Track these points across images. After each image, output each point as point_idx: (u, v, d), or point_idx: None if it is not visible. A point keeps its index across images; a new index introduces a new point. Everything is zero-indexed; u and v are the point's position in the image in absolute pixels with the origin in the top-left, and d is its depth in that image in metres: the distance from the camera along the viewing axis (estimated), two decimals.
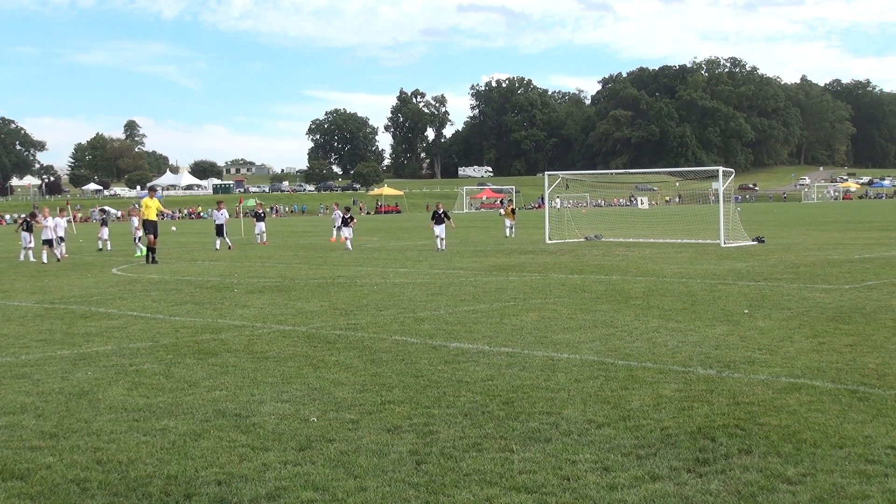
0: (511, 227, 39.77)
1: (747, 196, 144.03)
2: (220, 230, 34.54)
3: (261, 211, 39.69)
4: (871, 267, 20.18)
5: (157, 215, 27.91)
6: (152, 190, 29.71)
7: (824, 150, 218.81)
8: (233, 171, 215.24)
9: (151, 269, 24.60)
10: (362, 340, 11.31)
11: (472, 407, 7.64)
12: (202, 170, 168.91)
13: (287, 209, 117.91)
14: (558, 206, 49.54)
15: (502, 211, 42.92)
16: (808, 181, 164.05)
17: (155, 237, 26.79)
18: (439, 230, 29.74)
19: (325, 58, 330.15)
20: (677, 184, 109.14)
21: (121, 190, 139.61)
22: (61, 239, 29.91)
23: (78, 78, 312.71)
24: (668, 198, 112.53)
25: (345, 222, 31.16)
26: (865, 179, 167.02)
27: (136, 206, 34.62)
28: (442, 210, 30.42)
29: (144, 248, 29.58)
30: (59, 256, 28.66)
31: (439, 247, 29.41)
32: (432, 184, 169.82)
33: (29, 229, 30.06)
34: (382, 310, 14.32)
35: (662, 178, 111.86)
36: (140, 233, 31.01)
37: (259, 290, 17.79)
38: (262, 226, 37.84)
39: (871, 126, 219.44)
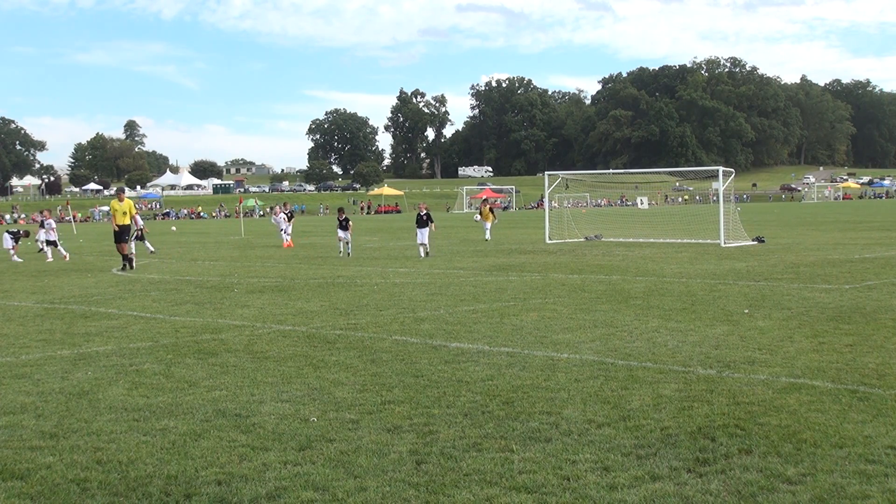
0: (488, 230, 36.19)
1: (783, 196, 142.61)
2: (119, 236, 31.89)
3: (288, 211, 37.46)
4: (871, 267, 20.18)
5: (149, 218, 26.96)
6: (120, 192, 25.97)
7: (824, 150, 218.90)
8: (233, 170, 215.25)
9: (151, 268, 24.59)
10: (362, 340, 11.31)
11: (472, 407, 7.64)
12: (202, 170, 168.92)
13: (292, 208, 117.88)
14: (556, 205, 49.37)
15: (478, 217, 38.13)
16: (812, 179, 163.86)
17: (123, 243, 24.22)
18: (421, 235, 26.93)
19: (325, 58, 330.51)
20: (677, 183, 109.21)
21: None
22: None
23: (78, 78, 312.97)
24: (685, 198, 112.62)
25: (342, 226, 28.04)
26: (865, 179, 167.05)
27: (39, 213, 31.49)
28: (426, 212, 27.66)
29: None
30: None
31: (421, 254, 26.59)
32: (432, 184, 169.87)
33: (17, 240, 30.75)
34: (382, 310, 14.32)
35: (662, 178, 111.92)
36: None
37: (259, 290, 17.79)
38: (288, 226, 35.78)
39: (871, 126, 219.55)
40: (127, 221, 24.34)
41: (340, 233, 28.38)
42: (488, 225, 36.22)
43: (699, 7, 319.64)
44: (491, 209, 37.66)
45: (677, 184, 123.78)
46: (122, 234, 24.22)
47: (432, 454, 6.31)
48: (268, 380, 8.96)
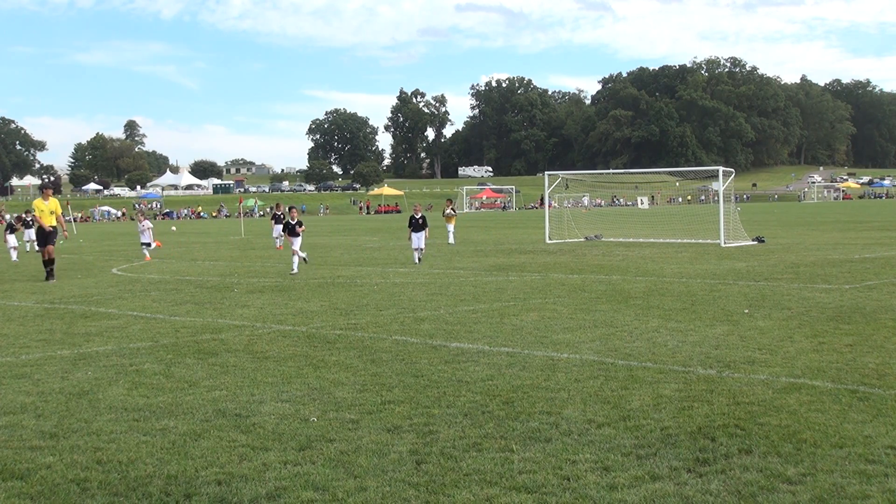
0: (451, 233, 34.35)
1: (835, 195, 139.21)
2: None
3: (280, 212, 33.94)
4: (871, 267, 20.17)
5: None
6: (45, 189, 22.70)
7: (824, 150, 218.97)
8: (233, 170, 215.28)
9: (151, 268, 24.58)
10: (362, 340, 11.31)
11: (472, 407, 7.64)
12: (202, 170, 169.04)
13: (286, 208, 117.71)
14: (555, 205, 49.26)
15: (448, 211, 35.34)
16: (819, 179, 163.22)
17: (50, 245, 21.46)
18: (417, 240, 24.63)
19: (325, 58, 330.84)
20: (677, 184, 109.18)
21: (121, 190, 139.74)
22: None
23: (77, 78, 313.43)
24: (688, 198, 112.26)
25: (291, 230, 22.50)
26: (865, 179, 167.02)
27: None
28: (420, 215, 25.05)
29: None
30: None
31: (416, 259, 24.53)
32: (432, 184, 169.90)
33: (13, 231, 30.74)
34: (382, 310, 14.32)
35: (662, 178, 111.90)
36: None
37: (259, 290, 17.79)
38: (280, 228, 31.88)
39: (871, 126, 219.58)
40: (54, 222, 21.68)
41: (293, 241, 22.36)
42: (451, 227, 34.65)
43: (699, 7, 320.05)
44: (453, 209, 35.99)
45: (661, 188, 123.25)
46: (49, 237, 21.52)
47: (432, 454, 6.30)
48: (268, 380, 8.96)
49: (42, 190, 22.48)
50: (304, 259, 22.80)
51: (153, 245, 29.72)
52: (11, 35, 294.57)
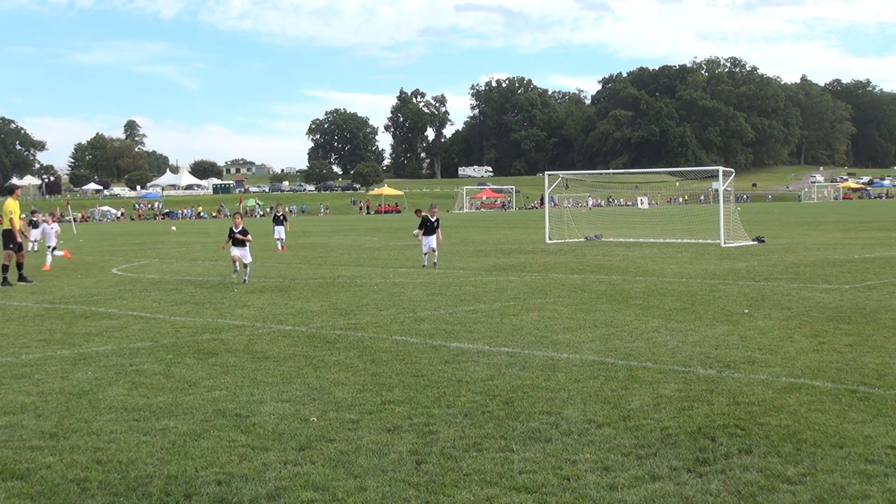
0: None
1: (835, 195, 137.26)
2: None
3: (280, 213, 33.06)
4: (871, 267, 20.17)
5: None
6: (12, 190, 21.16)
7: (824, 150, 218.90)
8: (233, 170, 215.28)
9: (151, 268, 24.57)
10: (362, 340, 11.31)
11: (472, 407, 7.64)
12: (202, 170, 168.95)
13: (287, 209, 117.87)
14: (556, 205, 49.20)
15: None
16: (820, 179, 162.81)
17: (18, 250, 20.17)
18: (428, 242, 22.95)
19: (325, 57, 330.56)
20: (677, 184, 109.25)
21: (121, 190, 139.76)
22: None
23: (77, 78, 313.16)
24: (685, 198, 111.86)
25: (239, 242, 19.41)
26: (865, 179, 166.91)
27: None
28: (436, 217, 23.35)
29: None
30: None
31: (425, 262, 22.98)
32: (432, 184, 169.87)
33: None
34: (382, 310, 14.32)
35: (662, 178, 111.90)
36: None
37: (259, 290, 17.79)
38: (281, 230, 32.01)
39: (871, 126, 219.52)
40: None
41: (236, 251, 19.42)
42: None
43: (698, 7, 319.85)
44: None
45: (661, 188, 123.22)
46: (14, 239, 20.20)
47: (432, 454, 6.31)
48: (268, 380, 8.96)
49: (11, 191, 20.89)
50: (245, 278, 19.31)
51: (59, 253, 27.12)
52: (11, 35, 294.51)
